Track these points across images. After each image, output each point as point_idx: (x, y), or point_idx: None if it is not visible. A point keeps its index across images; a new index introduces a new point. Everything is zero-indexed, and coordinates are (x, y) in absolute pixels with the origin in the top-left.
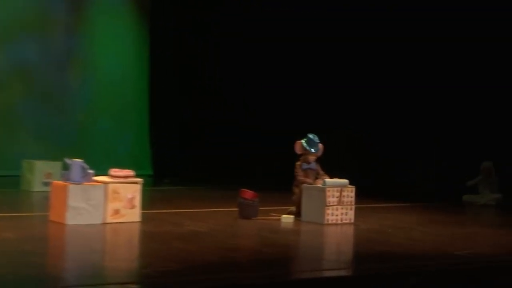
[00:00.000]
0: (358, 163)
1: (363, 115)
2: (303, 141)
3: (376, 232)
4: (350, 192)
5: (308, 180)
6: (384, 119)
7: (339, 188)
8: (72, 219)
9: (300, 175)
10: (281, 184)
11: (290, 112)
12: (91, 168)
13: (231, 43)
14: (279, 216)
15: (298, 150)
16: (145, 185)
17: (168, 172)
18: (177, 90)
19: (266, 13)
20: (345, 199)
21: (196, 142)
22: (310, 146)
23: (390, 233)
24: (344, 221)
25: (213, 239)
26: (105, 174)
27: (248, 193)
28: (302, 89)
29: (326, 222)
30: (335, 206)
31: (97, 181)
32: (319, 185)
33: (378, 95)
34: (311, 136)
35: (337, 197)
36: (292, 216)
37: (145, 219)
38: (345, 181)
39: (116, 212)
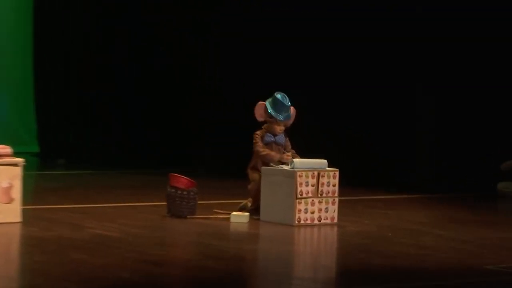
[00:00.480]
0: (341, 140)
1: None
2: (267, 102)
3: (370, 237)
4: (331, 178)
5: (274, 154)
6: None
7: (315, 172)
8: None
9: (261, 148)
10: (230, 167)
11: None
12: None
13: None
14: (228, 213)
15: (259, 115)
16: (28, 168)
17: (63, 150)
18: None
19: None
20: (325, 188)
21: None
22: (277, 110)
23: (391, 239)
24: (323, 221)
25: (129, 248)
26: None
27: (181, 180)
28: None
29: (296, 222)
30: (309, 198)
31: None
32: (285, 167)
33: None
34: (279, 96)
35: (312, 185)
36: (246, 214)
37: (29, 218)
38: (323, 161)
39: None
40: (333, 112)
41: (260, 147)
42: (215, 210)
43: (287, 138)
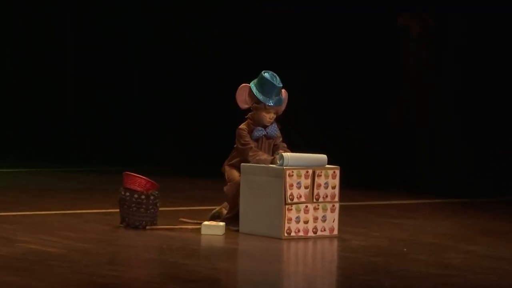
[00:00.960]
0: (344, 139)
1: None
2: (252, 84)
3: (380, 254)
4: (330, 178)
5: (266, 157)
6: None
7: (309, 171)
8: None
9: (251, 151)
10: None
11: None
12: None
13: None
14: (198, 223)
15: (242, 101)
16: None
17: None
18: None
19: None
20: (322, 191)
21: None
22: (265, 93)
23: (406, 256)
24: (320, 233)
25: (74, 267)
26: None
27: (138, 181)
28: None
29: (286, 235)
30: (302, 204)
31: None
32: (271, 164)
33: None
34: (267, 75)
35: (306, 187)
36: (221, 224)
37: None
38: (322, 156)
39: None
40: (333, 112)
41: (251, 150)
42: (182, 219)
43: (279, 130)
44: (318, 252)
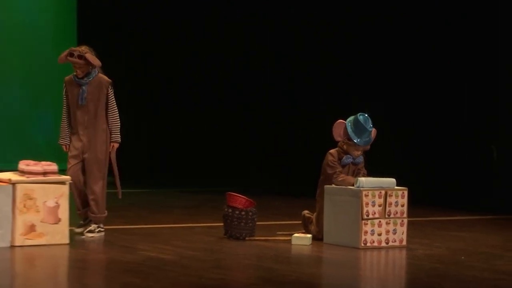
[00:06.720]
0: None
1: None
2: (347, 122)
3: (441, 261)
4: (400, 198)
5: (350, 179)
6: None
7: (382, 191)
8: None
9: (338, 171)
10: (289, 185)
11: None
12: None
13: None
14: (289, 235)
15: (337, 135)
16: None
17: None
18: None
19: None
20: (393, 209)
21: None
22: (357, 133)
23: (464, 263)
24: (391, 244)
25: (185, 271)
26: (12, 169)
27: (239, 200)
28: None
29: (362, 245)
30: (376, 219)
31: None
32: (349, 186)
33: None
34: (361, 118)
35: (379, 205)
36: (309, 236)
37: (77, 240)
38: (391, 180)
39: (31, 228)
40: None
41: (338, 175)
42: (278, 233)
43: (363, 160)
44: (390, 259)
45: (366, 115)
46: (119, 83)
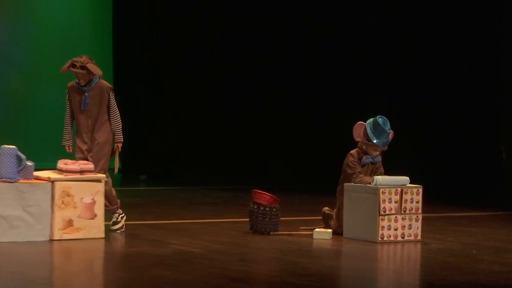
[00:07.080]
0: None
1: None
2: (367, 124)
3: (454, 255)
4: (415, 195)
5: (367, 179)
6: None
7: (398, 189)
8: (2, 235)
9: (357, 172)
10: (309, 183)
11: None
12: (29, 159)
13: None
14: (310, 229)
15: (357, 135)
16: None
17: (144, 166)
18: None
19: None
20: (408, 205)
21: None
22: (376, 135)
23: (475, 256)
24: (406, 238)
25: (212, 264)
26: (51, 167)
27: (263, 197)
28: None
29: (379, 239)
30: (393, 215)
31: (39, 178)
32: (367, 184)
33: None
34: (380, 120)
35: (395, 202)
36: (329, 231)
37: (111, 234)
38: (405, 178)
39: (68, 223)
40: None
41: (357, 176)
42: (301, 228)
43: (381, 160)
44: (405, 253)
45: (385, 117)
46: (153, 82)
